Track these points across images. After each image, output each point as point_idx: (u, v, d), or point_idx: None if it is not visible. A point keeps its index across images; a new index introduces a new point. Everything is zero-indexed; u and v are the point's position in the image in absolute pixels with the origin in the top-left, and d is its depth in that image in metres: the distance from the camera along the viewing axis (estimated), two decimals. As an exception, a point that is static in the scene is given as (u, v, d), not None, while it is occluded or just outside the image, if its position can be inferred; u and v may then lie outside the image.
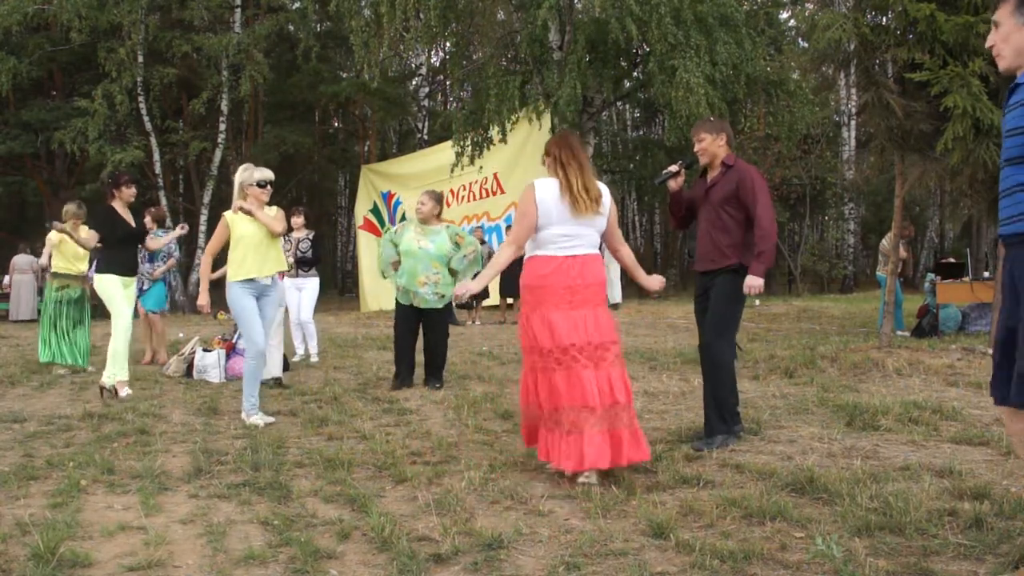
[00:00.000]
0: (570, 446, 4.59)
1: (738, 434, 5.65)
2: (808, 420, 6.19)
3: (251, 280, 6.72)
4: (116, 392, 7.84)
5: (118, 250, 8.10)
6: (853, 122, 28.48)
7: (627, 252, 5.34)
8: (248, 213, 6.83)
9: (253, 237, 6.75)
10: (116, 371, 7.86)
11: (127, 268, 8.14)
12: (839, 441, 5.47)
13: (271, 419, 6.65)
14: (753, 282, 5.39)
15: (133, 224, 8.19)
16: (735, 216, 5.55)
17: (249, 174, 6.89)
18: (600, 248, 5.11)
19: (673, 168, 5.78)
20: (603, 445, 4.57)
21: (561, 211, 4.80)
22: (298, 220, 10.30)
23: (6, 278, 22.69)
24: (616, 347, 4.84)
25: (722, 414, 5.52)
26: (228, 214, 6.86)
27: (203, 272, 7.05)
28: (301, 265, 10.30)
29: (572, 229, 4.82)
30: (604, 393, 4.67)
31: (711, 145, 5.63)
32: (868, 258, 32.24)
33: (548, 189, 4.83)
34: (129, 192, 8.19)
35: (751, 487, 4.38)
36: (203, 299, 6.84)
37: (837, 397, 6.90)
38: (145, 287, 10.70)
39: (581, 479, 4.61)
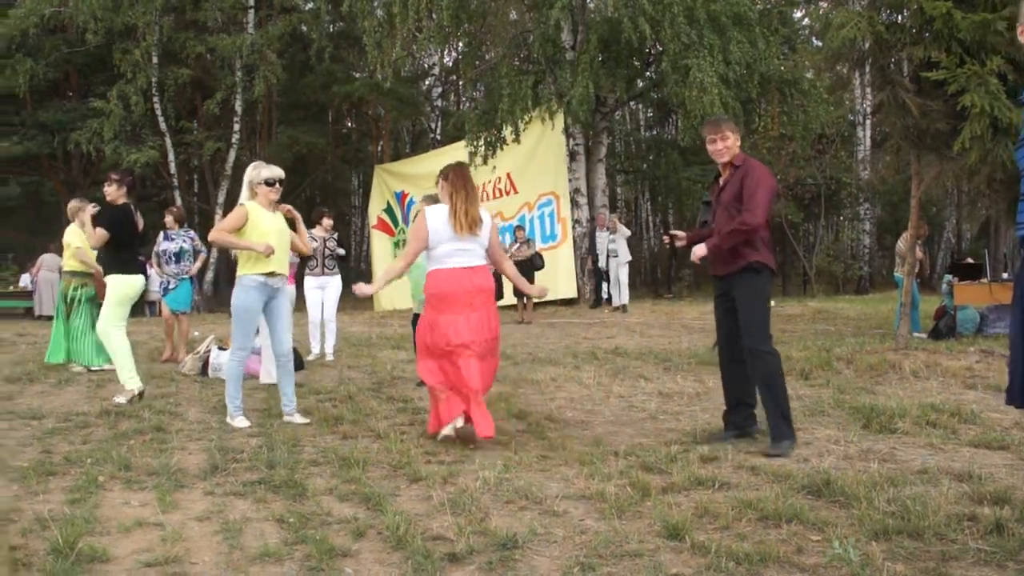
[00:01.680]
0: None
1: (753, 435, 5.64)
2: (824, 422, 6.17)
3: (264, 279, 6.51)
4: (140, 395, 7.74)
5: None
6: (868, 121, 28.36)
7: (509, 265, 6.39)
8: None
9: (273, 233, 6.55)
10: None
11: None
12: (855, 443, 5.45)
13: (307, 420, 6.63)
14: (697, 250, 5.63)
15: None
16: None
17: (257, 172, 6.67)
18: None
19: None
20: (481, 417, 5.66)
21: (448, 231, 5.82)
22: (328, 221, 10.49)
23: (25, 276, 22.85)
24: (498, 341, 6.00)
25: (786, 416, 5.42)
26: (249, 203, 6.59)
27: (232, 239, 6.49)
28: (330, 260, 10.46)
29: (461, 245, 5.84)
30: (484, 378, 5.82)
31: (735, 144, 5.60)
32: (884, 259, 32.08)
33: (438, 215, 5.88)
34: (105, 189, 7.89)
35: (767, 489, 4.37)
36: (261, 245, 6.36)
37: (853, 399, 6.88)
38: (171, 286, 10.72)
39: (445, 431, 5.76)
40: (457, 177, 5.99)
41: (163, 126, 25.74)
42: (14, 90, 25.42)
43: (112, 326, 7.60)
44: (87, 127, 24.18)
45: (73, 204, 9.92)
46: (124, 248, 7.69)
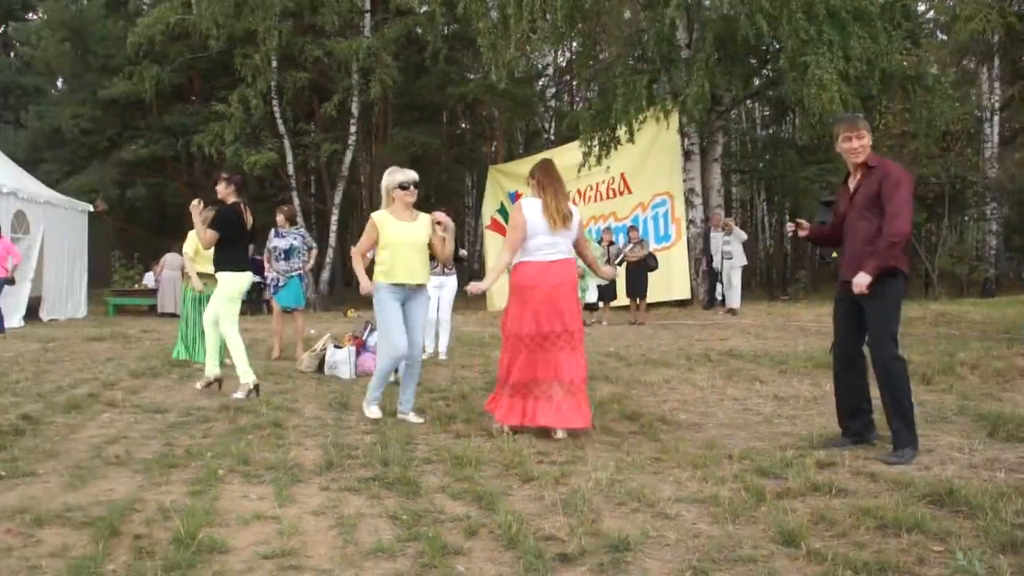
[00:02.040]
0: (546, 409, 5.96)
1: (872, 442, 5.48)
2: (947, 429, 5.96)
3: (398, 284, 6.60)
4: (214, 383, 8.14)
5: None
6: (996, 117, 27.22)
7: (589, 253, 6.58)
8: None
9: (405, 244, 6.60)
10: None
11: None
12: (980, 452, 5.25)
13: (420, 420, 6.68)
14: (861, 280, 5.17)
15: None
16: (881, 218, 5.27)
17: (392, 177, 6.70)
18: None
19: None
20: (574, 409, 5.94)
21: (542, 225, 6.07)
22: None
23: (148, 275, 23.75)
24: (581, 332, 6.18)
25: (909, 424, 5.24)
26: (377, 215, 6.69)
27: (357, 266, 6.77)
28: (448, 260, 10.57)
29: (551, 239, 6.09)
30: (574, 369, 6.01)
31: (869, 143, 5.41)
32: (1012, 261, 30.78)
33: (533, 208, 6.13)
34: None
35: (886, 497, 4.24)
36: (365, 283, 6.64)
37: (978, 406, 6.63)
38: (280, 283, 10.95)
39: (558, 435, 5.91)
40: (544, 174, 6.25)
41: (282, 128, 26.37)
42: (141, 95, 26.50)
43: (226, 322, 7.87)
44: (209, 130, 25.00)
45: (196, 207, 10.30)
46: (234, 245, 7.96)
